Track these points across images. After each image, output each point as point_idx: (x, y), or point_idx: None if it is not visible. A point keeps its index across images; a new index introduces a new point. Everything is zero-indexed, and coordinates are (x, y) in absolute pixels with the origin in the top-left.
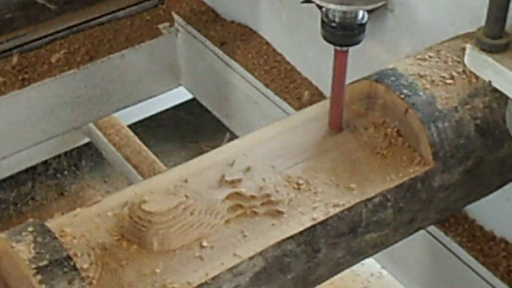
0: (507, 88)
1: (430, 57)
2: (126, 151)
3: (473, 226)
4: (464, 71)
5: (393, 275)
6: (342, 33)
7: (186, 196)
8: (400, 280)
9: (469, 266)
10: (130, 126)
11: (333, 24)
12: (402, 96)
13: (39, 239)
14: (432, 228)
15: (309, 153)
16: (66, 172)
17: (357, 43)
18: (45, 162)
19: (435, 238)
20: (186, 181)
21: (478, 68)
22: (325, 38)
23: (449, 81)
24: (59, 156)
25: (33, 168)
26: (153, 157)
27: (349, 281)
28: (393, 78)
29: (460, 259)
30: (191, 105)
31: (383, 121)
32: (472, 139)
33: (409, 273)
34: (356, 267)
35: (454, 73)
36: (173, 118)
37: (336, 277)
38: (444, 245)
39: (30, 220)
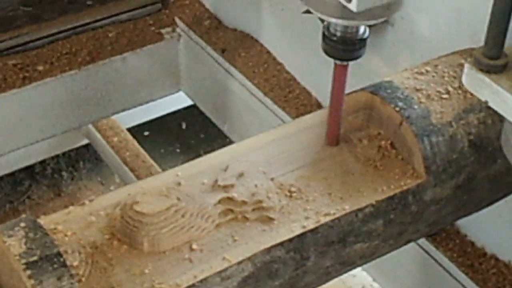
0: (503, 109)
1: (427, 71)
2: (124, 154)
3: (465, 242)
4: (460, 87)
5: (383, 287)
6: (343, 47)
7: (178, 199)
8: None
9: (458, 282)
10: (129, 130)
11: (334, 38)
12: (397, 108)
13: (31, 234)
14: (423, 242)
15: (303, 161)
16: (63, 173)
17: (358, 57)
18: (43, 162)
19: (426, 252)
20: (179, 184)
21: (475, 88)
22: (326, 52)
23: (445, 96)
24: (57, 156)
25: (31, 167)
26: (151, 161)
27: None
28: (389, 91)
29: (450, 273)
30: (191, 111)
31: (377, 133)
32: (465, 155)
33: (399, 285)
34: (347, 279)
35: (450, 88)
36: (173, 124)
37: None
38: (435, 259)
39: (23, 215)
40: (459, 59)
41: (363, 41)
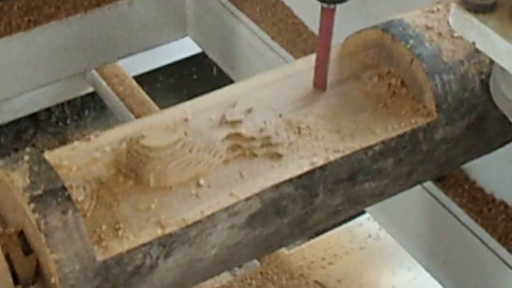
0: (491, 51)
1: (438, 10)
2: (129, 101)
3: (474, 188)
4: None
5: (391, 233)
6: None
7: (186, 133)
8: (397, 239)
9: (467, 227)
10: (135, 78)
11: None
12: (408, 46)
13: (35, 168)
14: (432, 188)
15: (312, 99)
16: (68, 121)
17: (345, 0)
18: (48, 110)
19: (435, 197)
20: (186, 119)
21: (462, 29)
22: None
23: (457, 34)
24: (62, 104)
25: (36, 115)
26: (157, 108)
27: (346, 241)
28: (400, 28)
29: (458, 219)
30: (198, 59)
31: (388, 71)
32: (477, 94)
33: (407, 232)
34: (353, 228)
35: None
36: (179, 72)
37: (333, 237)
38: (443, 205)
39: (27, 148)
40: None
41: None
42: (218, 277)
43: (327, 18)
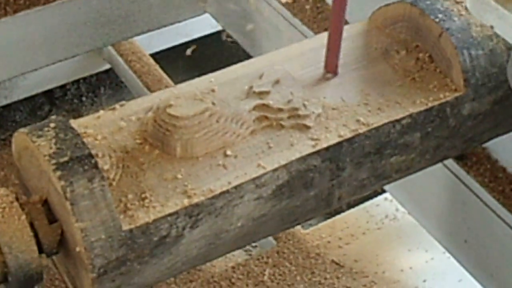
0: (510, 34)
1: None
2: (146, 79)
3: (496, 167)
4: None
5: (411, 213)
6: None
7: (213, 103)
8: (417, 218)
9: (488, 207)
10: (152, 56)
11: None
12: (437, 20)
13: (61, 135)
14: (453, 166)
15: (340, 71)
16: (84, 98)
17: None
18: (63, 87)
19: (456, 176)
20: (213, 90)
21: (479, 12)
22: None
23: None
24: (77, 81)
25: (51, 91)
26: (174, 86)
27: (363, 222)
28: (428, 2)
29: (480, 199)
30: (217, 37)
31: (415, 45)
32: (505, 70)
33: (427, 212)
34: (371, 208)
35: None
36: (198, 49)
37: (350, 217)
38: (464, 184)
39: (53, 116)
40: None
41: None
42: (234, 256)
43: (338, 1)
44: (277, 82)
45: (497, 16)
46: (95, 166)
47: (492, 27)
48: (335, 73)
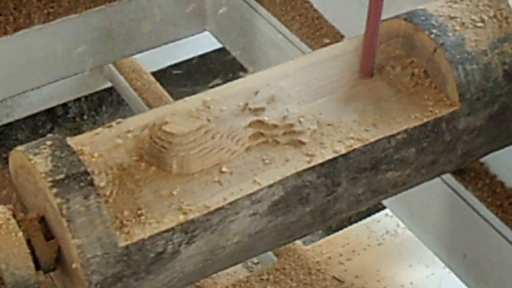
0: None
1: (461, 0)
2: (147, 96)
3: (494, 182)
4: (495, 16)
5: (410, 228)
6: None
7: (209, 120)
8: (416, 233)
9: (487, 221)
10: (153, 74)
11: None
12: (432, 35)
13: (57, 153)
14: (452, 181)
15: (335, 87)
16: (85, 116)
17: None
18: (65, 105)
19: (455, 191)
20: (209, 106)
21: None
22: None
23: (480, 24)
24: (79, 99)
25: (53, 110)
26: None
27: (364, 237)
28: (423, 18)
29: (479, 213)
30: (217, 54)
31: (411, 60)
32: (500, 84)
33: (426, 227)
34: (371, 224)
35: (485, 17)
36: (198, 67)
37: (351, 233)
38: (463, 198)
39: (49, 134)
40: None
41: None
42: (235, 273)
43: (375, 4)
44: (272, 98)
45: None
46: (91, 183)
47: None
48: (370, 76)
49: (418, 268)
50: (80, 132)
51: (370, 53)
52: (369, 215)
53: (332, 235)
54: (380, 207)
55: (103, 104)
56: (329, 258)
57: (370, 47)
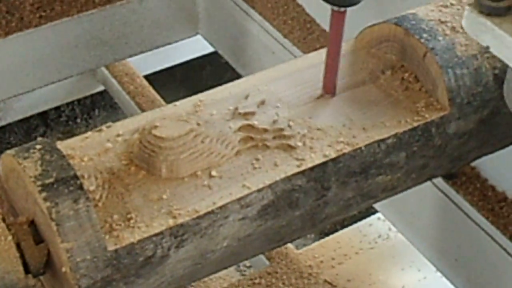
0: (506, 55)
1: (452, 4)
2: (140, 100)
3: (485, 186)
4: None
5: (401, 232)
6: None
7: (198, 124)
8: (408, 237)
9: (478, 225)
10: (146, 77)
11: None
12: (422, 40)
13: (47, 157)
14: (443, 186)
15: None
16: (78, 120)
17: (356, 3)
18: (58, 109)
19: (446, 195)
20: (198, 110)
21: (476, 33)
22: None
23: None
24: (72, 103)
25: (46, 113)
26: None
27: (356, 241)
28: (413, 22)
29: (470, 217)
30: (209, 58)
31: (401, 65)
32: (490, 89)
33: (418, 231)
34: (364, 228)
35: None
36: (190, 71)
37: (343, 237)
38: (454, 203)
39: (39, 138)
40: None
41: None
42: (227, 276)
43: (337, 22)
44: (262, 102)
45: (493, 37)
46: (80, 187)
47: (488, 47)
48: (333, 94)
49: (410, 272)
50: (73, 135)
51: (332, 71)
52: (361, 219)
53: (324, 239)
54: (372, 211)
55: (96, 108)
56: (321, 262)
57: (332, 65)
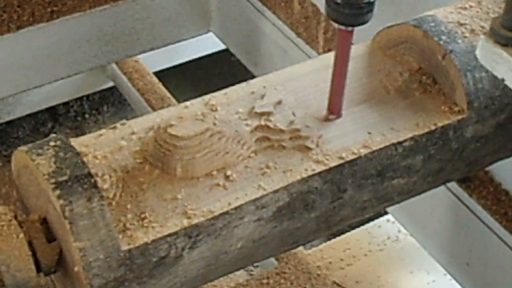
0: None
1: (471, 6)
2: (149, 97)
3: (499, 190)
4: None
5: (413, 234)
6: (348, 12)
7: (214, 124)
8: (419, 240)
9: (491, 229)
10: (156, 74)
11: (338, 1)
12: (441, 42)
13: (61, 154)
14: (456, 189)
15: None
16: (87, 116)
17: (364, 23)
18: (66, 104)
19: (459, 199)
20: (215, 109)
21: (491, 64)
22: (329, 15)
23: None
24: (81, 98)
25: (54, 108)
26: (177, 104)
27: (365, 243)
28: (432, 24)
29: (482, 221)
30: (220, 56)
31: (419, 67)
32: (508, 93)
33: (429, 234)
34: (373, 230)
35: None
36: (201, 69)
37: (352, 238)
38: (467, 207)
39: (53, 135)
40: None
41: (370, 4)
42: (235, 276)
43: (343, 41)
44: (279, 102)
45: (509, 69)
46: (95, 185)
47: (503, 79)
48: (338, 116)
49: (419, 275)
50: (81, 131)
51: (338, 92)
52: (371, 220)
53: (333, 240)
54: (381, 213)
55: (105, 104)
56: (330, 263)
57: (338, 86)
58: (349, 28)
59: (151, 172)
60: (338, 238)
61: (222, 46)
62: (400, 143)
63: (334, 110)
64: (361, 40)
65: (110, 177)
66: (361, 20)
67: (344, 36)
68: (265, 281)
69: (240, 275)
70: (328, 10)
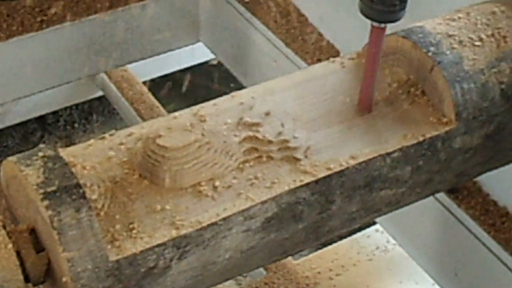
0: None
1: (459, 18)
2: (139, 107)
3: (487, 201)
4: (493, 34)
5: (401, 245)
6: (382, 8)
7: (203, 134)
8: (408, 250)
9: (479, 240)
10: (145, 84)
11: None
12: (429, 53)
13: (49, 164)
14: (444, 200)
15: (330, 104)
16: (76, 125)
17: (397, 19)
18: (55, 113)
19: (447, 209)
20: (203, 120)
21: None
22: (362, 12)
23: (478, 43)
24: (70, 107)
25: (43, 118)
26: (166, 114)
27: (354, 253)
28: (420, 35)
29: (471, 232)
30: (210, 66)
31: (407, 78)
32: (497, 104)
33: (418, 244)
34: (362, 240)
35: (483, 36)
36: (191, 78)
37: (341, 248)
38: (455, 217)
39: (41, 145)
40: (492, 7)
41: (403, 2)
42: (224, 286)
43: (376, 37)
44: (267, 113)
45: None
46: (83, 196)
47: None
48: (369, 111)
49: (408, 284)
50: (71, 140)
51: (369, 88)
52: (359, 230)
53: (322, 250)
54: (370, 223)
55: (94, 113)
56: (319, 273)
57: (369, 82)
58: (382, 25)
59: (140, 183)
60: (327, 248)
61: (212, 56)
62: (388, 154)
63: (364, 106)
64: (349, 50)
65: (99, 187)
66: (394, 17)
67: (377, 32)
68: None
69: (229, 285)
70: (362, 6)
